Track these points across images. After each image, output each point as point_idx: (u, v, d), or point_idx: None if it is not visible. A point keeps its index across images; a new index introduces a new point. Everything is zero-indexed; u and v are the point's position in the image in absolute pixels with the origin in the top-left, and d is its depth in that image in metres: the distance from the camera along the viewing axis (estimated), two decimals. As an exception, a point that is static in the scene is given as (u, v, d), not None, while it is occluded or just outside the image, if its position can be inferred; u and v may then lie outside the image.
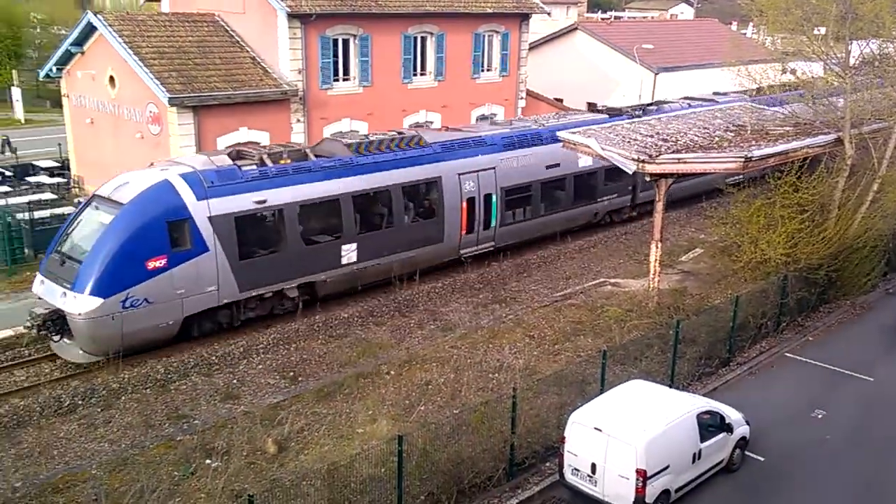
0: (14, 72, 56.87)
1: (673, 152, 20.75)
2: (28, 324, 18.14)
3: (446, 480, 13.28)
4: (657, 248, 21.54)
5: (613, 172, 26.84)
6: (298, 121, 27.87)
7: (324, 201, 21.00)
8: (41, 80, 37.50)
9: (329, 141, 23.64)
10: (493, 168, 24.98)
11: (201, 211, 18.65)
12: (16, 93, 52.87)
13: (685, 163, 20.38)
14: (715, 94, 35.46)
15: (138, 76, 25.26)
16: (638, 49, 41.72)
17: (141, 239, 17.78)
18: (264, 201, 19.63)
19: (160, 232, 18.05)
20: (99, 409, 16.25)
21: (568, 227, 28.23)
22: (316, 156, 21.56)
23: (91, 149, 29.43)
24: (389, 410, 16.18)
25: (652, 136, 22.47)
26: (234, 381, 17.65)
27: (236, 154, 20.65)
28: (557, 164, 26.74)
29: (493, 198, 25.09)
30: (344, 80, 29.16)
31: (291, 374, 17.99)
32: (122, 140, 27.35)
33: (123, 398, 16.72)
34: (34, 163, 36.19)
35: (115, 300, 17.46)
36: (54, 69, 29.85)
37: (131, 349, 18.04)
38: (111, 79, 27.18)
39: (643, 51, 41.68)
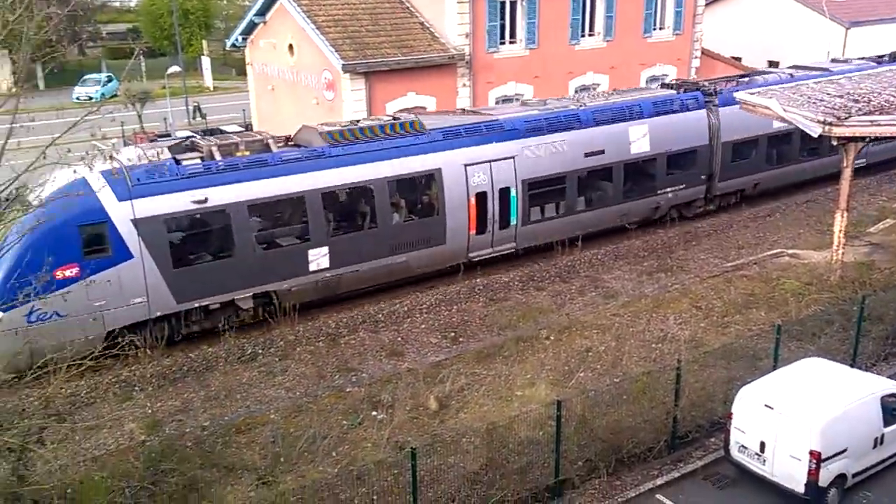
0: (204, 42, 61.10)
1: (865, 114, 19.08)
2: None
3: (604, 448, 13.17)
4: (843, 217, 19.97)
5: (680, 159, 24.45)
6: (464, 85, 28.09)
7: (283, 199, 18.41)
8: (228, 49, 40.08)
9: (306, 128, 20.07)
10: (512, 157, 21.28)
11: (123, 213, 16.47)
12: (205, 62, 56.81)
13: (879, 125, 18.68)
14: (833, 61, 31.40)
15: (315, 44, 26.37)
16: (826, 1, 38.50)
17: (46, 246, 14.90)
18: (204, 200, 17.18)
19: (70, 238, 15.88)
20: (277, 359, 17.38)
21: (618, 225, 24.05)
22: (295, 145, 19.41)
23: (272, 114, 31.16)
24: (548, 375, 16.20)
25: (842, 97, 20.73)
26: (399, 338, 18.30)
27: (186, 146, 18.60)
28: (601, 151, 22.71)
29: (513, 192, 21.40)
30: (510, 42, 29.00)
31: (452, 334, 18.40)
32: (300, 106, 28.74)
33: (298, 349, 17.78)
34: (221, 127, 38.85)
35: (16, 314, 14.85)
36: (240, 39, 31.78)
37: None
38: (290, 47, 28.54)
39: (832, 3, 38.41)
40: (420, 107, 26.68)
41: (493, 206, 21.17)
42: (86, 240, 16.12)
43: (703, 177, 25.28)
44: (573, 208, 22.76)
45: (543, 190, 22.03)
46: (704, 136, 24.89)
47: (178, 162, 17.47)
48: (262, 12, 29.70)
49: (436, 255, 20.75)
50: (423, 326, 18.89)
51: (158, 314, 17.24)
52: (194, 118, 44.92)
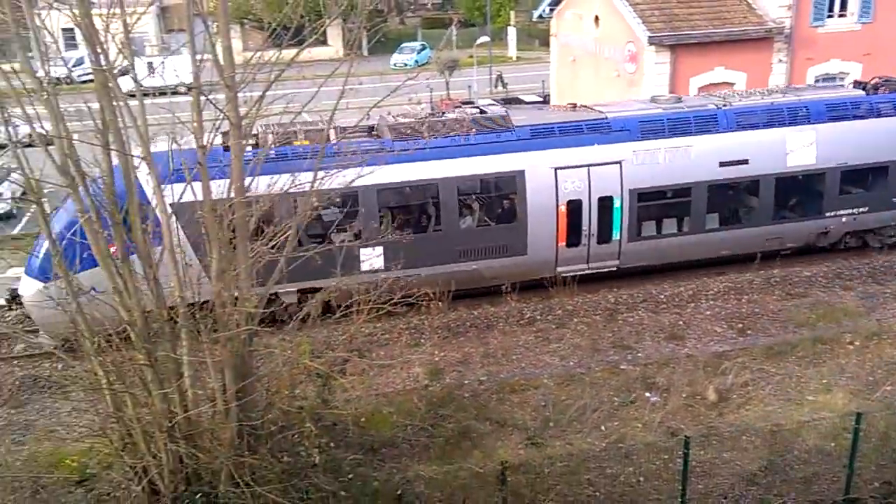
0: (511, 13, 62.89)
1: None
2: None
3: (909, 474, 11.72)
4: None
5: (862, 175, 19.80)
6: (780, 61, 25.98)
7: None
8: (534, 20, 40.89)
9: (382, 119, 18.38)
10: (619, 162, 18.49)
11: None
12: (511, 32, 58.53)
13: None
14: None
15: (621, 15, 25.93)
16: None
17: None
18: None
19: None
20: (553, 326, 17.67)
21: (766, 249, 19.82)
22: (376, 136, 17.85)
23: (571, 86, 31.31)
24: (848, 383, 14.70)
25: None
26: (680, 322, 17.67)
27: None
28: (743, 161, 19.02)
29: (616, 202, 18.64)
30: (840, 15, 26.21)
31: (740, 325, 17.35)
32: (599, 79, 28.56)
33: (575, 320, 17.90)
34: (519, 97, 39.88)
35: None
36: (546, 10, 32.24)
37: None
38: (596, 18, 28.37)
39: None
40: (728, 83, 25.20)
41: (589, 217, 18.64)
42: None
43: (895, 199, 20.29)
44: (701, 226, 19.40)
45: (660, 202, 19.14)
46: None
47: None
48: (572, -17, 29.80)
49: (514, 266, 18.62)
50: (707, 313, 18.04)
51: None
52: (496, 87, 46.62)
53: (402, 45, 57.31)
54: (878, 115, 19.89)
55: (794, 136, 19.34)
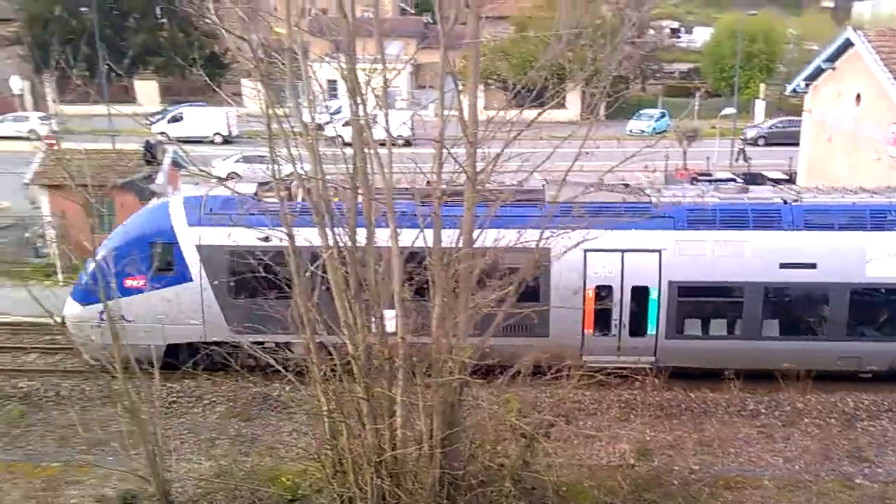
0: (762, 85, 60.23)
1: None
2: None
3: None
4: None
5: None
6: None
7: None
8: (786, 94, 38.80)
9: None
10: (658, 251, 16.96)
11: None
12: (759, 105, 55.97)
13: None
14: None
15: (888, 94, 23.87)
16: None
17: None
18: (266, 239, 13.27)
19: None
20: (779, 423, 16.25)
21: (839, 368, 17.49)
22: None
23: (823, 165, 29.21)
24: None
25: None
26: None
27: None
28: (810, 265, 16.84)
29: (653, 293, 17.06)
30: None
31: None
32: (856, 159, 26.38)
33: (806, 420, 16.35)
34: (763, 172, 37.82)
35: (94, 310, 15.35)
36: (802, 84, 30.47)
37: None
38: (857, 96, 26.34)
39: None
40: None
41: (620, 306, 17.28)
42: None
43: None
44: (756, 332, 17.31)
45: (707, 299, 17.49)
46: None
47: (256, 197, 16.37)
48: (833, 58, 27.96)
49: (538, 348, 15.84)
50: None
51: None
52: (737, 160, 44.62)
53: (640, 112, 56.73)
54: None
55: (877, 241, 17.07)
